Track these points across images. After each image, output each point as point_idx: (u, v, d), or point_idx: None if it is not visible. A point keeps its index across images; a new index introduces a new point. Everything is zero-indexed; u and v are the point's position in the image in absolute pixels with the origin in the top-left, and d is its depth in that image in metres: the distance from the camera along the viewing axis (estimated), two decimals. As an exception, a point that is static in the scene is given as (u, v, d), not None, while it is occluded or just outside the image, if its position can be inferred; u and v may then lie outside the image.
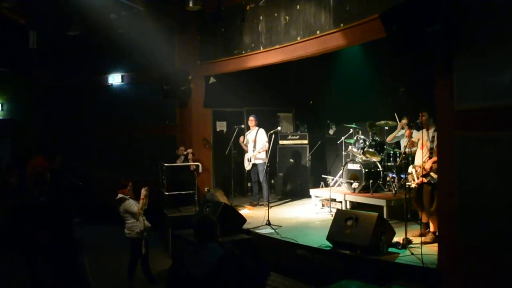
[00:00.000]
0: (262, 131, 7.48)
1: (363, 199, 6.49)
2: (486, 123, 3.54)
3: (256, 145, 7.40)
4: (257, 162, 7.41)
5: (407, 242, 4.78)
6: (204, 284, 2.72)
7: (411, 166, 5.24)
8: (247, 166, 7.60)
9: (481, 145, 3.57)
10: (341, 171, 7.42)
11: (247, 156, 7.58)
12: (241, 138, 7.61)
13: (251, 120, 7.60)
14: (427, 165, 4.89)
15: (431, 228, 5.08)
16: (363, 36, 5.48)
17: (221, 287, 2.74)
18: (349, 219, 4.87)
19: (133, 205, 5.22)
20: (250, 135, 7.60)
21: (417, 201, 5.14)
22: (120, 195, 5.22)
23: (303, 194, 8.18)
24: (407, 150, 5.40)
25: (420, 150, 5.08)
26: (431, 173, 4.85)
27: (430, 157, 4.92)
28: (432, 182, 4.84)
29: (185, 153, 7.84)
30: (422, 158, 5.00)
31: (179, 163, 7.72)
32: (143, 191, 5.26)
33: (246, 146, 7.61)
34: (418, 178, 4.99)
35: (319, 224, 6.20)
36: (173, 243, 6.47)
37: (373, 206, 6.15)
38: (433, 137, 4.90)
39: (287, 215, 6.87)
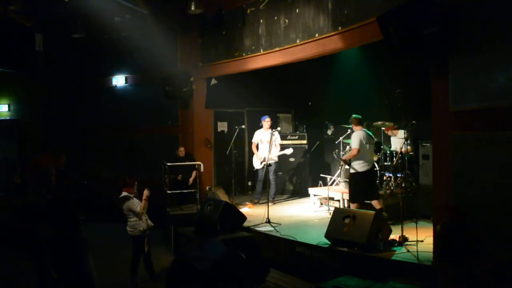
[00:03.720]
0: (277, 133, 7.52)
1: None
2: (481, 124, 3.63)
3: (271, 146, 7.31)
4: (271, 162, 7.51)
5: (403, 240, 4.87)
6: (206, 278, 2.83)
7: None
8: (258, 165, 7.64)
9: (476, 145, 3.67)
10: (339, 171, 7.50)
11: (260, 155, 7.60)
12: (254, 146, 7.78)
13: (267, 121, 7.63)
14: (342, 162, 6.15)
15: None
16: (361, 39, 5.56)
17: (223, 281, 2.84)
18: (347, 217, 4.96)
19: (137, 205, 5.32)
20: (264, 136, 7.64)
21: None
22: (124, 193, 5.32)
23: (302, 193, 8.31)
24: None
25: None
26: (352, 166, 5.98)
27: None
28: (352, 171, 6.00)
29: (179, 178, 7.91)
30: None
31: (181, 163, 7.84)
32: (146, 192, 5.37)
33: (257, 147, 7.70)
34: None
35: (317, 222, 6.30)
36: (176, 241, 6.56)
37: (370, 205, 6.23)
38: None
39: (287, 213, 6.97)
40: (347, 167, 6.18)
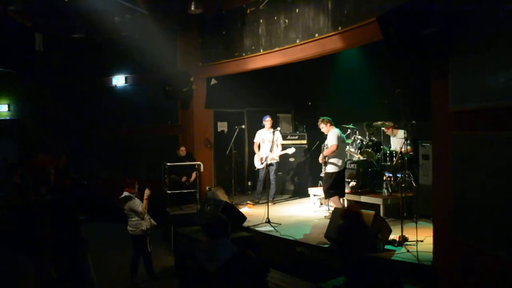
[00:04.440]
0: (278, 133, 7.57)
1: (360, 198, 6.60)
2: (481, 124, 3.62)
3: (273, 146, 7.40)
4: (273, 161, 7.53)
5: (403, 240, 4.87)
6: (217, 278, 2.82)
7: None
8: (259, 164, 7.64)
9: (476, 145, 3.66)
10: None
11: (261, 154, 7.62)
12: (256, 146, 7.78)
13: (268, 121, 7.68)
14: (320, 159, 6.46)
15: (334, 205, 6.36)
16: (361, 39, 5.55)
17: (233, 280, 2.83)
18: (347, 217, 5.00)
19: (138, 205, 5.33)
20: (266, 135, 7.66)
21: None
22: (125, 193, 5.32)
23: (302, 193, 8.32)
24: None
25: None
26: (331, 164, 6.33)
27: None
28: (330, 171, 6.33)
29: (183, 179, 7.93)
30: None
31: (181, 163, 7.84)
32: (147, 192, 5.38)
33: (258, 147, 7.72)
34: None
35: (317, 222, 6.30)
36: (175, 241, 6.57)
37: (370, 205, 6.27)
38: (327, 136, 6.41)
39: (286, 213, 6.98)
40: (324, 165, 6.45)
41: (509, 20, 3.32)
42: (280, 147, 7.60)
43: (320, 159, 6.50)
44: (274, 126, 7.76)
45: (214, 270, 2.80)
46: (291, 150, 7.44)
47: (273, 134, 7.27)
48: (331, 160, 6.34)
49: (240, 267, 2.81)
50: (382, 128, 7.10)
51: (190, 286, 2.96)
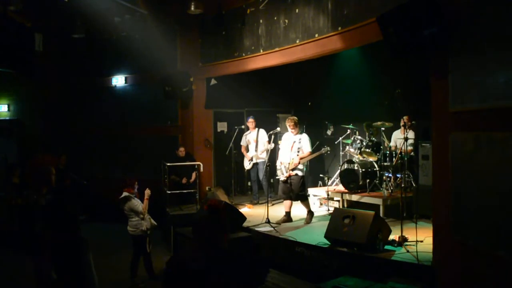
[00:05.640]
0: (263, 131, 7.67)
1: (360, 198, 6.59)
2: (480, 124, 3.62)
3: (258, 145, 7.54)
4: (258, 161, 7.57)
5: (403, 240, 4.87)
6: (201, 278, 2.83)
7: (279, 162, 6.33)
8: (248, 165, 7.73)
9: (476, 145, 3.65)
10: (338, 171, 7.52)
11: (249, 155, 7.71)
12: (243, 149, 7.82)
13: (251, 122, 7.77)
14: (296, 161, 6.10)
15: (306, 209, 6.30)
16: (361, 39, 5.56)
17: (218, 281, 2.84)
18: (347, 217, 4.96)
19: (138, 205, 5.33)
20: (250, 136, 7.77)
21: (284, 191, 6.25)
22: (125, 194, 5.33)
23: (302, 193, 8.31)
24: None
25: (287, 148, 6.25)
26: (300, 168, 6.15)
27: (297, 155, 6.16)
28: (300, 174, 6.15)
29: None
30: (289, 156, 6.18)
31: (181, 163, 7.85)
32: (147, 192, 5.39)
33: (246, 149, 7.76)
34: (286, 172, 6.18)
35: (317, 222, 6.29)
36: (175, 241, 6.57)
37: (370, 205, 6.25)
38: (300, 139, 6.18)
39: (286, 214, 6.98)
40: (290, 170, 6.17)
41: (509, 20, 3.32)
42: (266, 146, 7.58)
43: (294, 164, 6.09)
44: (274, 126, 7.75)
45: (196, 269, 2.81)
46: (270, 146, 7.36)
47: (257, 134, 7.31)
48: (301, 164, 6.21)
49: (224, 267, 2.81)
50: (382, 129, 7.07)
51: (173, 285, 2.96)
